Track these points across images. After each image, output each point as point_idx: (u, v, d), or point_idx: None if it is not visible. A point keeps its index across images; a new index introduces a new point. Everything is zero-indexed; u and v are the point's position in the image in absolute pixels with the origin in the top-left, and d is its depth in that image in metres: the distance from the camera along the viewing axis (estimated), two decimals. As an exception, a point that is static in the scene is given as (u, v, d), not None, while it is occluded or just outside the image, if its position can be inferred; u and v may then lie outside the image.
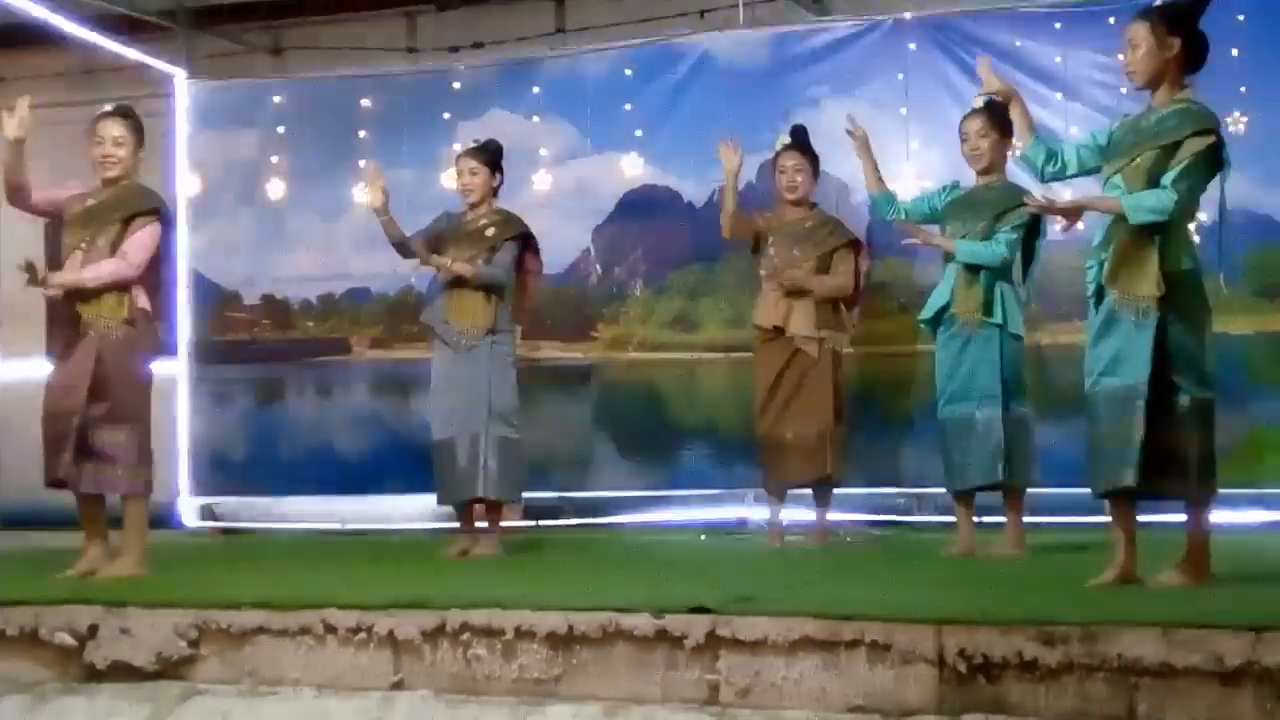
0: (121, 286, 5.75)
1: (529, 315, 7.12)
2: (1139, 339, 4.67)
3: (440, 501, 6.89)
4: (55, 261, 6.01)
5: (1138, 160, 4.76)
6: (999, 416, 6.13)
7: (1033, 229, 6.29)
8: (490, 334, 6.66)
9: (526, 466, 6.84)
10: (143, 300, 5.82)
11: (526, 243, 6.87)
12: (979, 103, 6.39)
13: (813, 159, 6.97)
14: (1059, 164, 5.00)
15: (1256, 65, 7.21)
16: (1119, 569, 4.74)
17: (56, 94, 9.75)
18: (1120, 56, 4.95)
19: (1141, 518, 4.85)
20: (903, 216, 6.51)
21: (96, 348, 5.69)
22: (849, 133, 6.56)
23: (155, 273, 5.91)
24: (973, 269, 6.21)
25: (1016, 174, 6.24)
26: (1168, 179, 4.71)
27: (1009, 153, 6.17)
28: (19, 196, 5.81)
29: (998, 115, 6.29)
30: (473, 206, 6.83)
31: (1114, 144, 4.88)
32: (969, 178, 6.47)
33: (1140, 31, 4.80)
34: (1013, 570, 5.60)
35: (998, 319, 6.17)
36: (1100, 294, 4.79)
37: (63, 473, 5.68)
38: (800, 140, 6.95)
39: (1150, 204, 4.70)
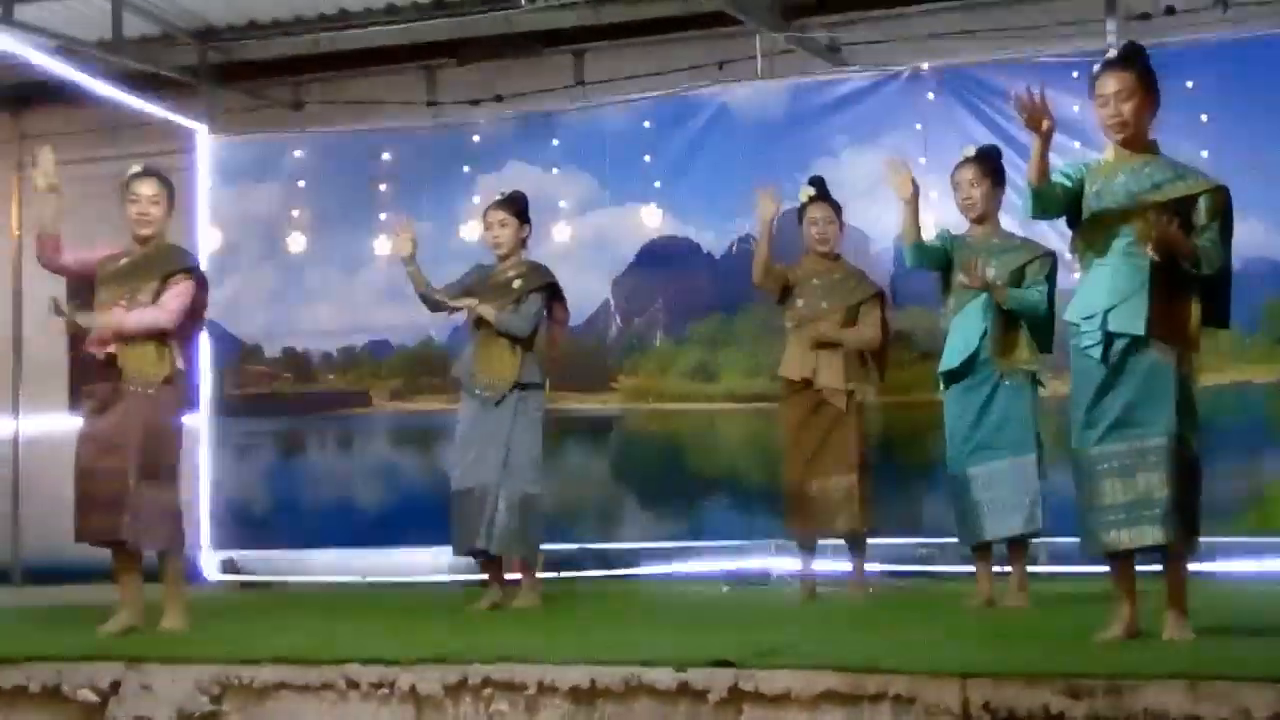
0: (162, 342, 5.81)
1: (556, 365, 7.10)
2: (1158, 389, 4.61)
3: (454, 552, 6.89)
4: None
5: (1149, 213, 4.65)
6: (1034, 465, 6.12)
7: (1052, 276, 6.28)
8: (517, 388, 6.66)
9: (543, 522, 6.78)
10: (180, 359, 5.89)
11: (554, 293, 6.88)
12: (970, 152, 6.42)
13: (837, 209, 6.96)
14: (1055, 207, 4.82)
15: (1270, 114, 7.22)
16: (1125, 625, 4.70)
17: (81, 150, 9.81)
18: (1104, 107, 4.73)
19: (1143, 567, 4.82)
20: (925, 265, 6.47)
21: (137, 405, 5.74)
22: (910, 180, 6.29)
23: (188, 330, 5.98)
24: (1010, 317, 6.18)
25: (1012, 223, 6.28)
26: (1208, 238, 4.64)
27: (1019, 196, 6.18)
28: (51, 254, 5.88)
29: (988, 164, 6.32)
30: (502, 258, 6.85)
31: (1102, 192, 4.73)
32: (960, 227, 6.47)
33: (1128, 81, 4.69)
34: (1036, 621, 5.57)
35: (1036, 365, 6.16)
36: (1109, 345, 4.65)
37: (103, 530, 5.73)
38: (824, 191, 6.95)
39: (1213, 258, 4.63)
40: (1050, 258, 6.27)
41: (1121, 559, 4.73)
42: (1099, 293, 4.71)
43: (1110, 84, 4.72)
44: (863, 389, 6.82)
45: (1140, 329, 4.61)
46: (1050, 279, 6.24)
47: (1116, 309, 4.65)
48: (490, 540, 6.60)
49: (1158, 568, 4.74)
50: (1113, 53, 4.85)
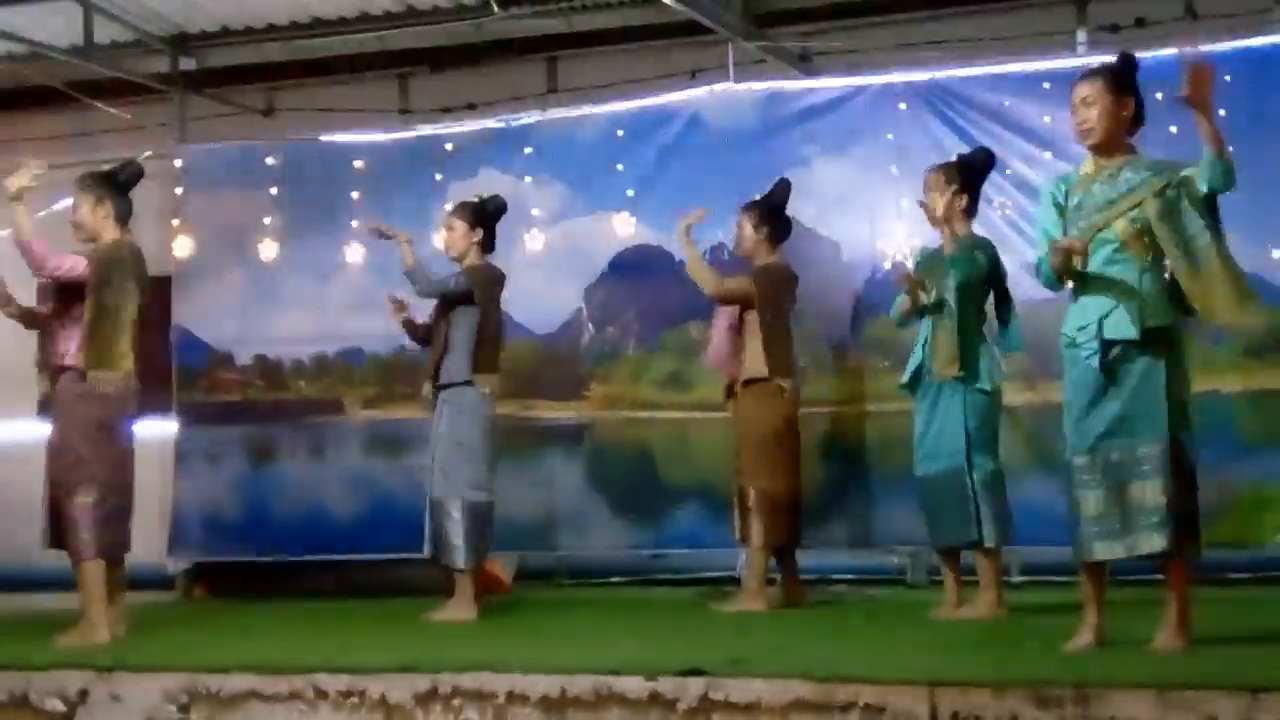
0: (101, 347, 5.79)
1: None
2: (1151, 396, 4.65)
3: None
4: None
5: (1135, 216, 4.75)
6: (963, 474, 6.11)
7: (993, 271, 6.28)
8: (444, 389, 6.67)
9: (460, 527, 6.70)
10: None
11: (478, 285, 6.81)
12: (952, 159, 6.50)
13: (762, 216, 7.01)
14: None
15: (1241, 124, 7.24)
16: (1096, 633, 4.73)
17: (52, 156, 9.74)
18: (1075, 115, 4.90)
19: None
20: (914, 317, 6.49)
21: (68, 410, 5.83)
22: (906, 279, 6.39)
23: (140, 332, 6.01)
24: (944, 325, 6.19)
25: (987, 230, 6.31)
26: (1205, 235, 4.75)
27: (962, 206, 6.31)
28: (39, 261, 5.90)
29: (956, 170, 6.35)
30: (455, 261, 6.88)
31: (1081, 205, 4.84)
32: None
33: (1094, 90, 4.84)
34: (1005, 630, 5.59)
35: (963, 373, 6.14)
36: (1106, 352, 4.72)
37: (47, 539, 5.77)
38: (763, 200, 7.04)
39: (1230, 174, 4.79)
40: (988, 247, 6.33)
41: (1097, 568, 4.76)
42: (1091, 304, 4.80)
43: (1079, 92, 4.89)
44: (752, 392, 6.90)
45: (1134, 333, 4.69)
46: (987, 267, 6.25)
47: (1110, 316, 4.74)
48: (432, 549, 6.67)
49: (1136, 576, 4.79)
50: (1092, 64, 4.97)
